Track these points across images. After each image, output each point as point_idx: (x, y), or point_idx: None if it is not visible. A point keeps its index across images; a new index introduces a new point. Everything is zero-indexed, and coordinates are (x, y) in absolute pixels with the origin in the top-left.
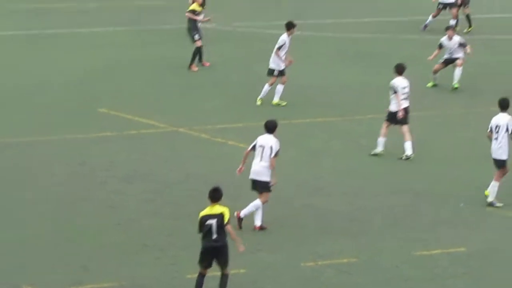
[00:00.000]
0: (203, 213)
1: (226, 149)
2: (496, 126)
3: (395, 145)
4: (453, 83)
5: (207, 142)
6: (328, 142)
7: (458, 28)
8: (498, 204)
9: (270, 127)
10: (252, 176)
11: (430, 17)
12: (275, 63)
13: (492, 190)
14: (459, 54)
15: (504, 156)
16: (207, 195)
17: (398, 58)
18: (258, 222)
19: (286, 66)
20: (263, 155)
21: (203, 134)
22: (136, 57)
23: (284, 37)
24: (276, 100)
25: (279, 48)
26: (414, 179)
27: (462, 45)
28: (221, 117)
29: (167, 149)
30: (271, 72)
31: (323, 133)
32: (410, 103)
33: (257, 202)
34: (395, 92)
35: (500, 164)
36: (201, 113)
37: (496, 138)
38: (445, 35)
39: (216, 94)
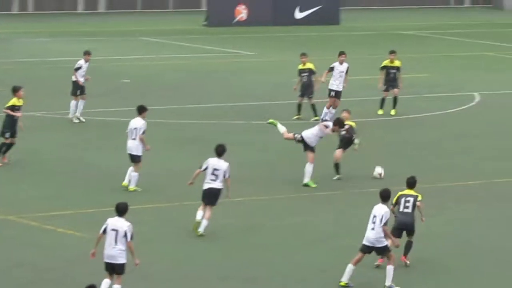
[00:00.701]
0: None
1: (55, 236)
2: (374, 216)
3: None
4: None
5: (37, 230)
6: (158, 229)
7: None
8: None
9: (220, 152)
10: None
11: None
12: (138, 149)
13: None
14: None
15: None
16: (35, 284)
17: (227, 143)
18: None
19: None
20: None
21: (33, 221)
22: None
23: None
24: (132, 186)
25: (143, 133)
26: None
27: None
28: (51, 204)
29: None
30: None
31: (153, 219)
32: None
33: None
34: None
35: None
36: (31, 200)
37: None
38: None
39: (45, 181)
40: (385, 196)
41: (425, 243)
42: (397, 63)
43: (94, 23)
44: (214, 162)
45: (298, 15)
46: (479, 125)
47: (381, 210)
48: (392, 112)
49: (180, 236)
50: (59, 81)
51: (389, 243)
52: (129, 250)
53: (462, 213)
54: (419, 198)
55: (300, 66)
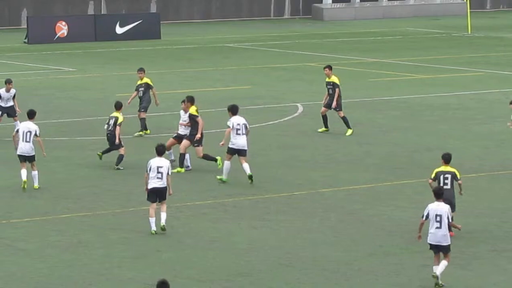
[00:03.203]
0: None
1: None
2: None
3: None
4: None
5: None
6: None
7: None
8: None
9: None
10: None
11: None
12: None
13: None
14: None
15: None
16: None
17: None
18: None
19: None
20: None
21: None
22: None
23: None
24: None
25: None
26: None
27: None
28: None
29: None
30: None
31: None
32: None
33: None
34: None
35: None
36: None
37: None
38: None
39: None
40: (439, 194)
41: (245, 255)
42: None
43: None
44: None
45: (119, 30)
46: (303, 135)
47: (444, 208)
48: None
49: (3, 256)
50: None
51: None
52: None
53: (284, 224)
54: (459, 176)
55: (138, 82)
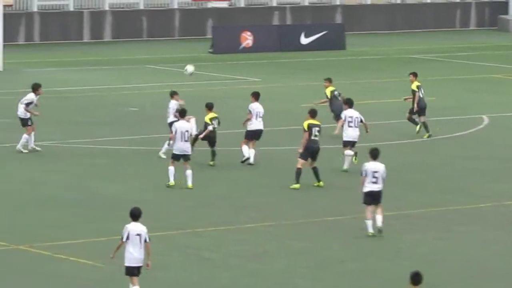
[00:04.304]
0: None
1: (68, 265)
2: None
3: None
4: None
5: (48, 259)
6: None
7: None
8: None
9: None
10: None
11: None
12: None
13: None
14: None
15: None
16: None
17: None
18: None
19: None
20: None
21: (44, 251)
22: None
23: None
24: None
25: None
26: None
27: None
28: (62, 233)
29: (6, 268)
30: None
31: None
32: None
33: None
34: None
35: None
36: (41, 230)
37: None
38: None
39: (53, 211)
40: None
41: (430, 266)
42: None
43: (99, 52)
44: (371, 165)
45: (304, 40)
46: (488, 147)
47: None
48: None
49: (188, 265)
50: (65, 111)
51: None
52: (147, 251)
53: (470, 235)
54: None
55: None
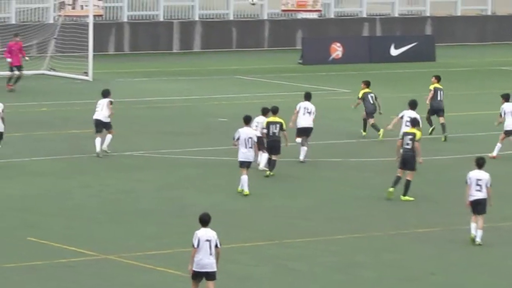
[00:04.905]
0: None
1: (155, 275)
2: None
3: None
4: None
5: (136, 269)
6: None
7: None
8: None
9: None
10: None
11: None
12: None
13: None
14: None
15: None
16: None
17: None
18: None
19: None
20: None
21: (132, 261)
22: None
23: None
24: None
25: None
26: None
27: None
28: (150, 243)
29: (95, 277)
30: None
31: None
32: None
33: None
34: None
35: None
36: (129, 240)
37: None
38: None
39: (142, 221)
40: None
41: None
42: None
43: (189, 62)
44: (475, 174)
45: (394, 52)
46: None
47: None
48: None
49: (276, 275)
50: (154, 120)
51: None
52: (217, 256)
53: None
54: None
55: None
